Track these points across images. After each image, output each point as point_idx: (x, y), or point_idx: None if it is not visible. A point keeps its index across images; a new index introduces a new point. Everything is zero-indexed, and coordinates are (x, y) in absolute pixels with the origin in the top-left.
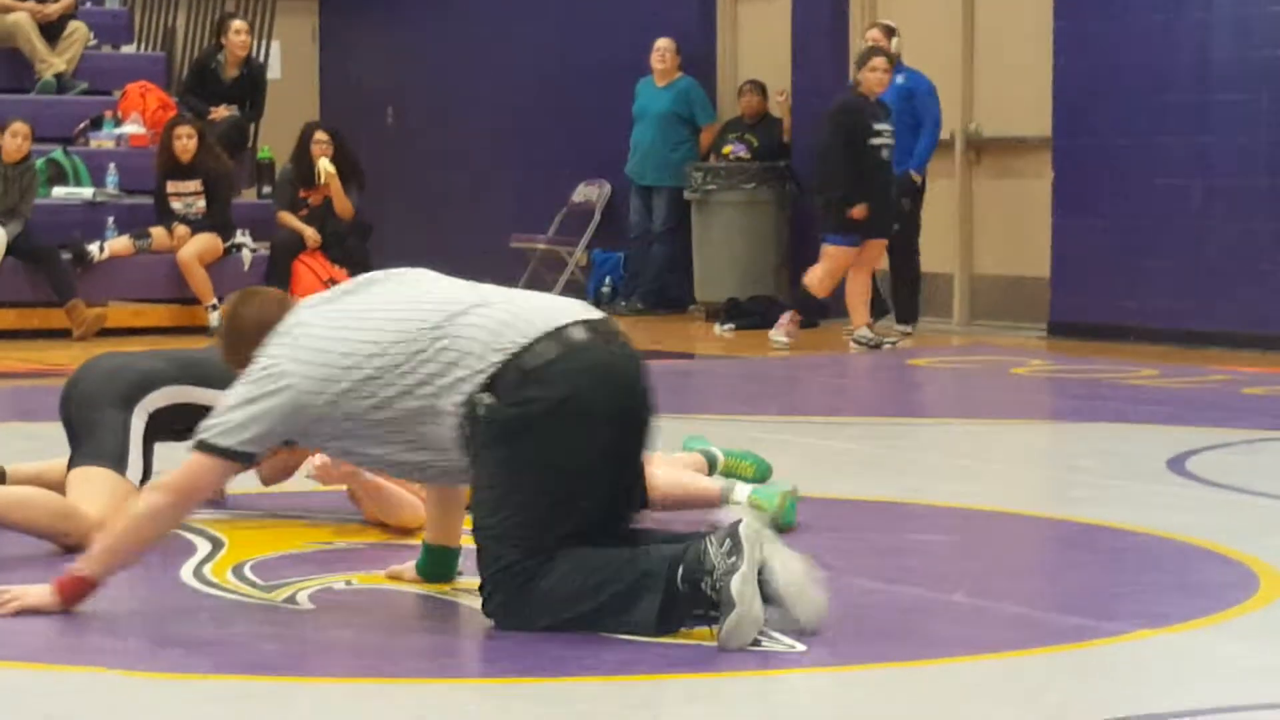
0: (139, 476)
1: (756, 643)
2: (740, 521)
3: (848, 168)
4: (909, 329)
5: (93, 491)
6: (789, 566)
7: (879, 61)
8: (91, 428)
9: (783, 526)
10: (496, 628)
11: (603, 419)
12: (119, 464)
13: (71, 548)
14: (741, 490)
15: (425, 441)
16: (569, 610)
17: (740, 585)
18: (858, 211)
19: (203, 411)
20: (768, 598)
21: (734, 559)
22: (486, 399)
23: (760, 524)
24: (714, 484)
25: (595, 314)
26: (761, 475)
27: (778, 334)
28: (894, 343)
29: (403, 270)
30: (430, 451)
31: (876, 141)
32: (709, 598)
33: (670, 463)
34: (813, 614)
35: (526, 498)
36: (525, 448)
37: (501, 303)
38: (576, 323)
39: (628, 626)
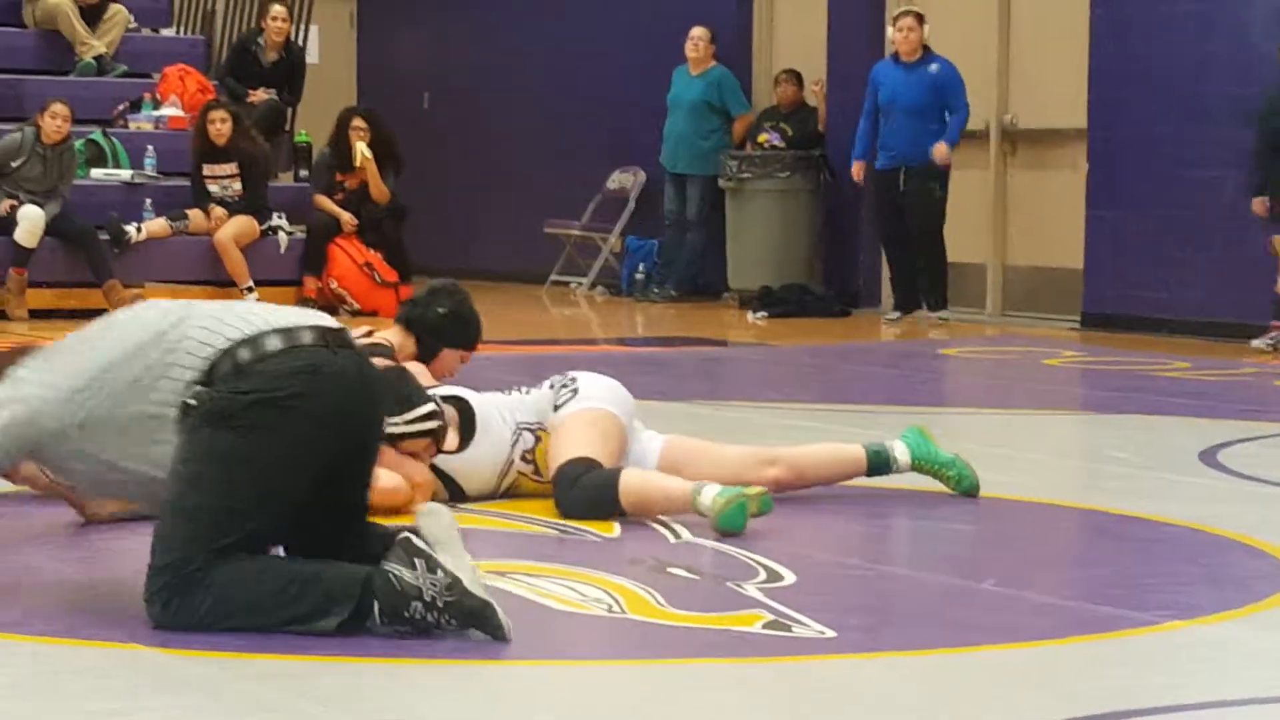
0: None
1: (788, 628)
2: (411, 534)
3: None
4: (944, 316)
5: None
6: (473, 575)
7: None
8: None
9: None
10: (156, 626)
11: (313, 421)
12: None
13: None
14: (709, 492)
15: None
16: (242, 619)
17: (473, 581)
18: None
19: None
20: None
21: (438, 573)
22: (199, 388)
23: (440, 520)
24: (684, 486)
25: (331, 323)
26: (966, 488)
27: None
28: None
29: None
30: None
31: None
32: (429, 620)
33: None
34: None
35: (218, 485)
36: (227, 436)
37: (229, 307)
38: (307, 327)
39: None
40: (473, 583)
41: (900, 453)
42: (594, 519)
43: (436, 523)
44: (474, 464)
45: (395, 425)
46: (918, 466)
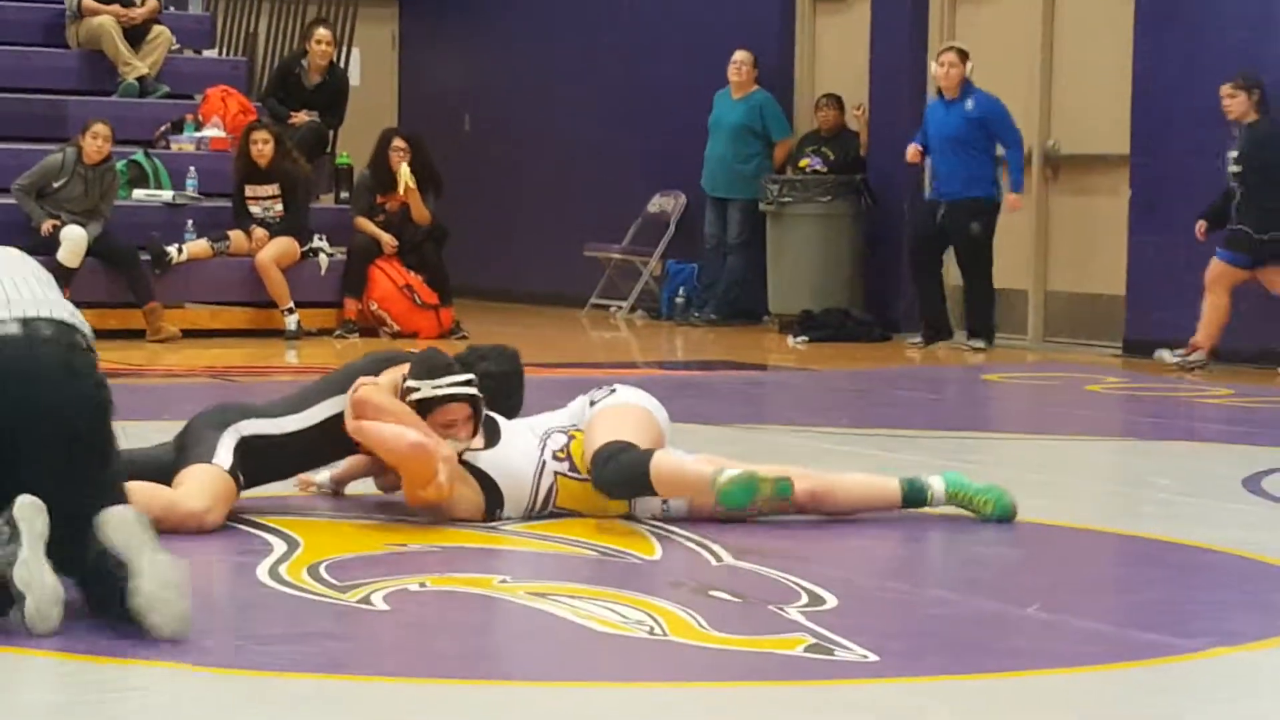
0: (227, 463)
1: (830, 651)
2: (14, 505)
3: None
4: (981, 344)
5: (193, 484)
6: (158, 571)
7: (1224, 88)
8: (190, 447)
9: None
10: None
11: None
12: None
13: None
14: (727, 473)
15: None
16: None
17: (24, 573)
18: None
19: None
20: (128, 600)
21: (13, 546)
22: None
23: (127, 524)
24: (705, 468)
25: (48, 314)
26: (1001, 510)
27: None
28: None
29: None
30: None
31: None
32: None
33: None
34: (173, 623)
35: None
36: None
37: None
38: (16, 318)
39: None
40: (31, 565)
41: (937, 486)
42: (626, 495)
43: (123, 528)
44: (507, 463)
45: (422, 389)
46: (952, 496)
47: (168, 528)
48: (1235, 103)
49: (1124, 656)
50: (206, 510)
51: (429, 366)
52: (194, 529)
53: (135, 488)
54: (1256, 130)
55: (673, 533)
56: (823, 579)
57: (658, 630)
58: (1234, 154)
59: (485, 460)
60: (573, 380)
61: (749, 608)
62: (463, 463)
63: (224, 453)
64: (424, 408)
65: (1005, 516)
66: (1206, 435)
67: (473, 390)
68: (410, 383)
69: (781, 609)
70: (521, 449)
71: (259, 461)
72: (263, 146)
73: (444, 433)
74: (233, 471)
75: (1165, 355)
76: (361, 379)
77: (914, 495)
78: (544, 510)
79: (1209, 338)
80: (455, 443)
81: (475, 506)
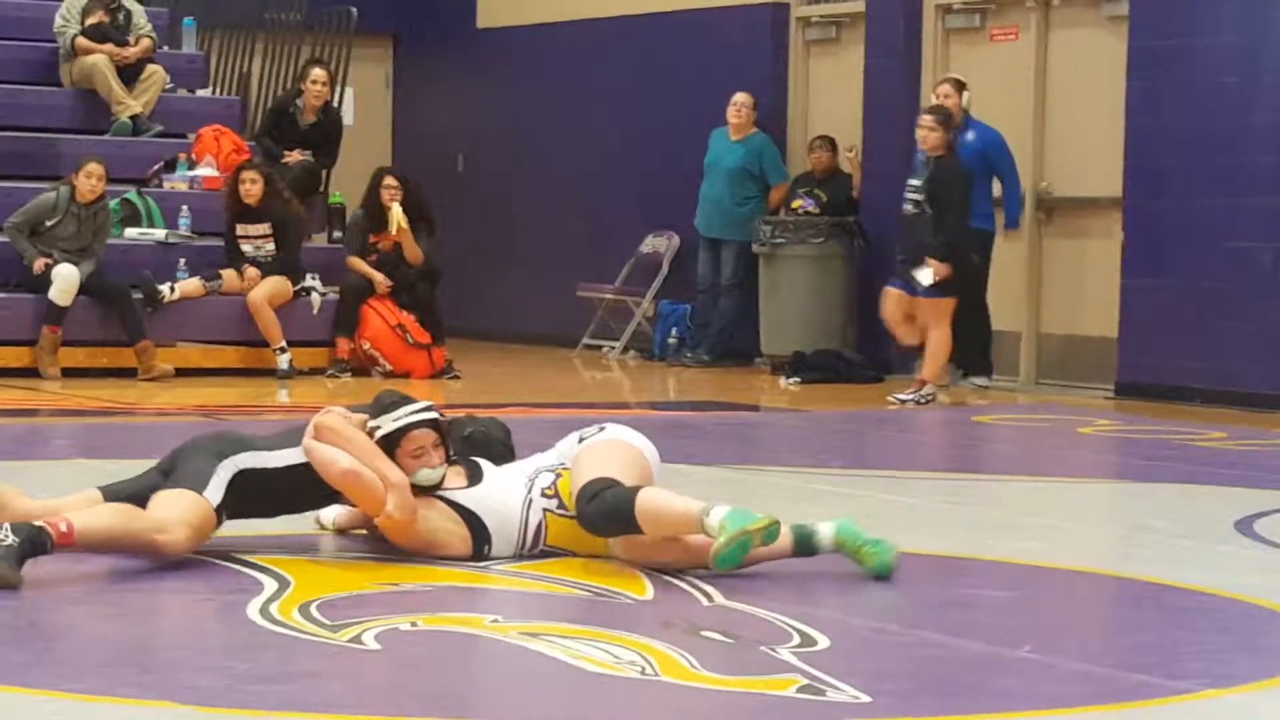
0: (223, 484)
1: (822, 692)
2: None
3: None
4: (985, 382)
5: (171, 510)
6: None
7: (924, 119)
8: (182, 472)
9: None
10: None
11: None
12: (197, 489)
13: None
14: (717, 514)
15: None
16: None
17: None
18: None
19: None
20: None
21: None
22: None
23: None
24: (692, 504)
25: None
26: (878, 565)
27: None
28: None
29: None
30: None
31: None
32: None
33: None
34: None
35: None
36: None
37: None
38: None
39: None
40: None
41: (825, 533)
42: (611, 533)
43: None
44: (490, 500)
45: (383, 425)
46: (839, 543)
47: (130, 546)
48: (933, 136)
49: (1115, 698)
50: (171, 536)
51: (383, 405)
52: (154, 550)
53: (109, 506)
54: (941, 165)
55: (665, 573)
56: (815, 620)
57: (649, 670)
58: (915, 183)
59: (468, 498)
60: (565, 420)
61: (741, 648)
62: (447, 501)
63: (215, 488)
64: (390, 443)
65: (883, 573)
66: (1199, 478)
67: (431, 415)
68: (371, 423)
69: (774, 649)
70: (506, 486)
71: (250, 495)
72: (250, 186)
73: (416, 463)
74: (219, 509)
75: (903, 398)
76: (331, 407)
77: (804, 544)
78: (535, 548)
79: (936, 372)
80: (430, 472)
81: (463, 543)
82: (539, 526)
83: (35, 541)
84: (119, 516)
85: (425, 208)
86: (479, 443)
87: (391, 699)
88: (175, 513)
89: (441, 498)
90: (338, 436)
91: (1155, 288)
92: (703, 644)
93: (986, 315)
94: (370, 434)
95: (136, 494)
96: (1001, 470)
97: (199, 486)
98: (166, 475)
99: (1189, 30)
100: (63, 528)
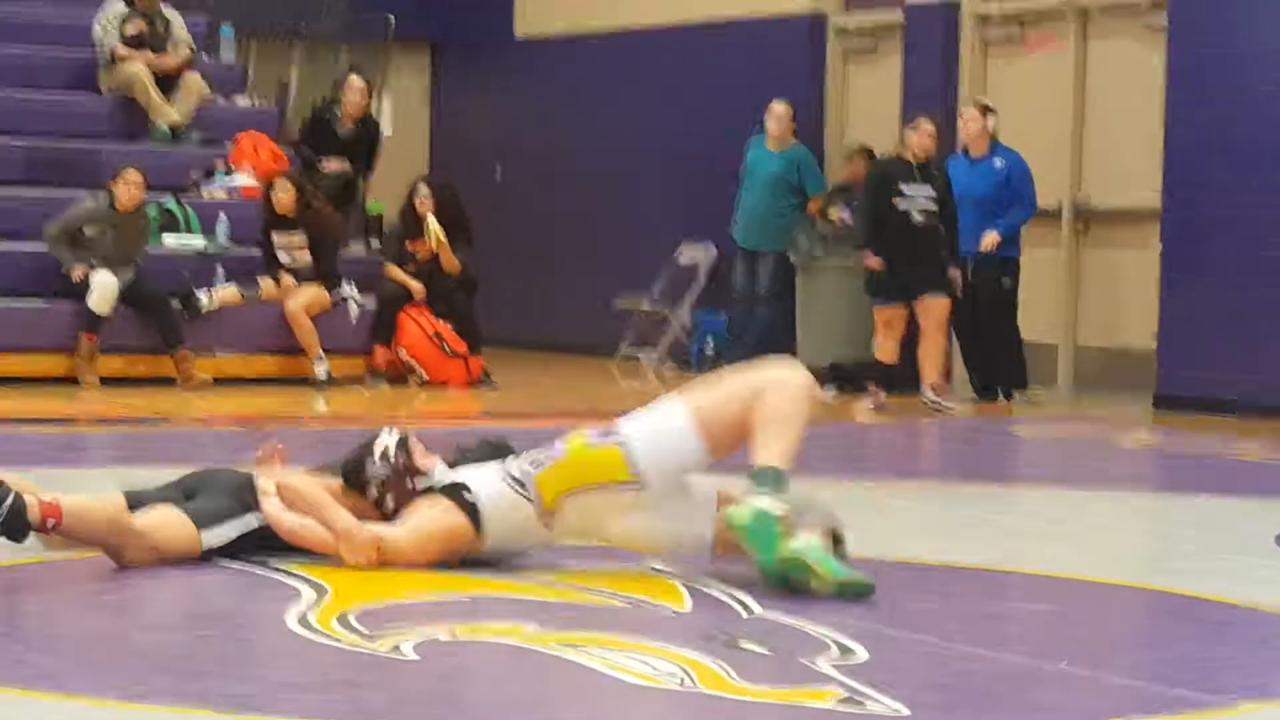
0: (227, 538)
1: (861, 704)
2: None
3: (867, 227)
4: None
5: (164, 528)
6: None
7: (923, 123)
8: (201, 501)
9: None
10: None
11: None
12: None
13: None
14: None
15: None
16: None
17: None
18: (871, 262)
19: None
20: None
21: None
22: None
23: None
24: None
25: None
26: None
27: (865, 406)
28: (951, 408)
29: None
30: None
31: (903, 205)
32: None
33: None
34: None
35: None
36: None
37: None
38: None
39: None
40: None
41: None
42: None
43: None
44: (465, 474)
45: (377, 470)
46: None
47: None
48: (973, 126)
49: (1153, 711)
50: (141, 539)
51: (348, 465)
52: (118, 551)
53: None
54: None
55: (703, 584)
56: (853, 631)
57: (688, 682)
58: (930, 193)
59: (438, 474)
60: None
61: (780, 659)
62: (425, 491)
63: (220, 536)
64: (401, 476)
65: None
66: (1238, 490)
67: (395, 434)
68: (370, 473)
69: (812, 661)
70: (476, 472)
71: (254, 543)
72: (282, 195)
73: (428, 461)
74: (208, 554)
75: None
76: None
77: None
78: (527, 490)
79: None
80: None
81: (459, 524)
82: (528, 479)
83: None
84: (108, 509)
85: (461, 217)
86: (472, 449)
87: (430, 710)
88: (160, 537)
89: (420, 492)
90: (290, 493)
91: (1194, 299)
92: (741, 655)
93: (1017, 337)
94: (383, 487)
95: (156, 503)
96: (1038, 481)
97: (206, 521)
98: (188, 498)
99: (1228, 40)
100: (47, 498)
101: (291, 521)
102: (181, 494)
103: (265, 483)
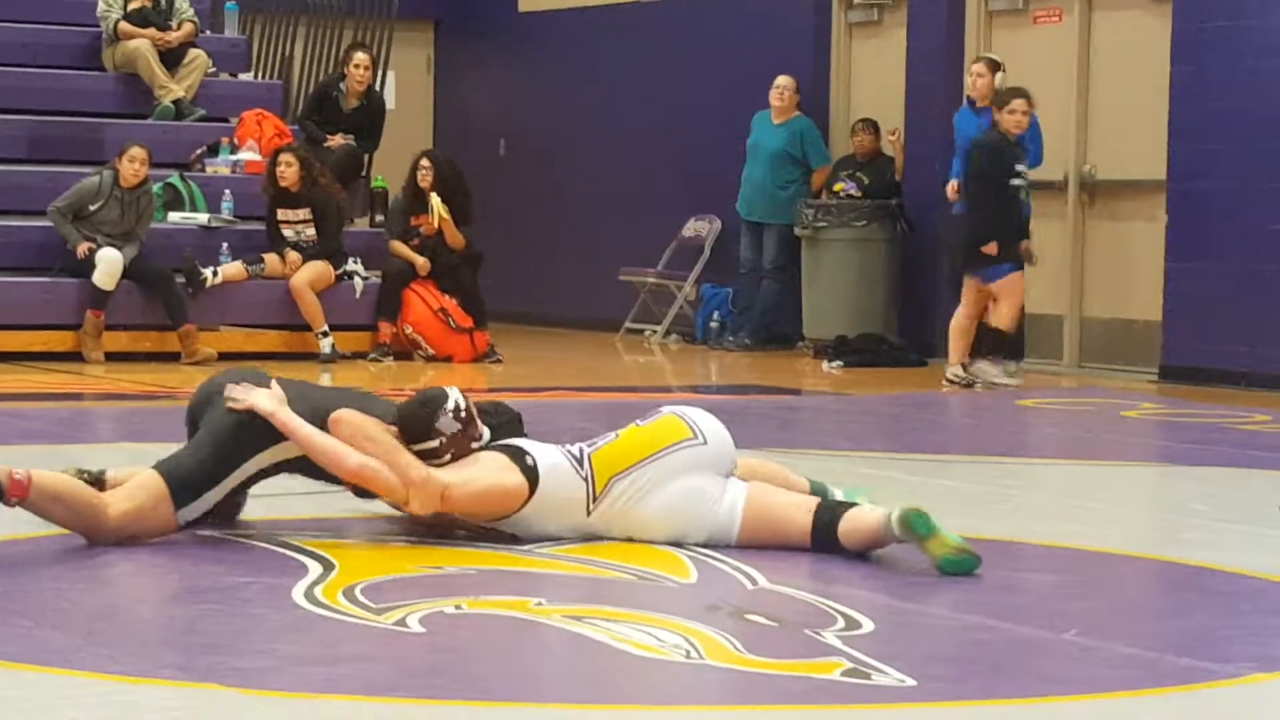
0: (204, 510)
1: (868, 676)
2: None
3: (989, 205)
4: (1014, 367)
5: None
6: None
7: (1018, 103)
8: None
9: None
10: None
11: None
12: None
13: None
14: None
15: None
16: None
17: None
18: (989, 249)
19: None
20: None
21: None
22: None
23: None
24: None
25: None
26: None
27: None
28: (981, 383)
29: None
30: None
31: (1016, 182)
32: None
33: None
34: None
35: None
36: None
37: None
38: None
39: None
40: None
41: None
42: None
43: None
44: (531, 443)
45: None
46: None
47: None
48: (981, 82)
49: (1162, 681)
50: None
51: (413, 415)
52: (95, 529)
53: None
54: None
55: (709, 556)
56: (859, 603)
57: (694, 654)
58: (1021, 168)
59: (487, 437)
60: (607, 404)
61: (785, 631)
62: (491, 448)
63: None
64: (467, 433)
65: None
66: (1244, 461)
67: (456, 398)
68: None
69: (818, 633)
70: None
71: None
72: (286, 170)
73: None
74: (183, 521)
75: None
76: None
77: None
78: (585, 470)
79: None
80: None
81: (517, 485)
82: (582, 454)
83: None
84: (75, 485)
85: (462, 190)
86: (490, 411)
87: (436, 682)
88: (136, 529)
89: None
90: (353, 430)
91: (1199, 271)
92: (747, 627)
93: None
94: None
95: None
96: (1045, 454)
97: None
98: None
99: (1234, 12)
100: (18, 475)
101: (357, 461)
102: (191, 423)
103: (341, 413)
